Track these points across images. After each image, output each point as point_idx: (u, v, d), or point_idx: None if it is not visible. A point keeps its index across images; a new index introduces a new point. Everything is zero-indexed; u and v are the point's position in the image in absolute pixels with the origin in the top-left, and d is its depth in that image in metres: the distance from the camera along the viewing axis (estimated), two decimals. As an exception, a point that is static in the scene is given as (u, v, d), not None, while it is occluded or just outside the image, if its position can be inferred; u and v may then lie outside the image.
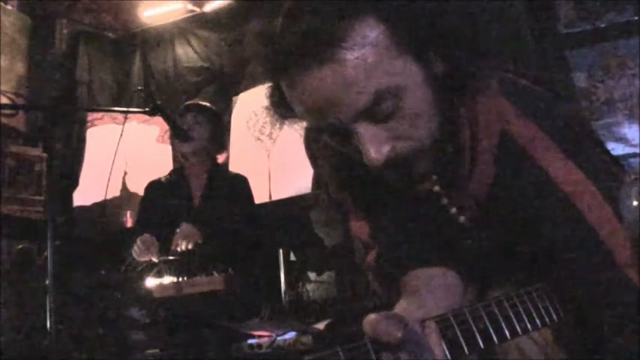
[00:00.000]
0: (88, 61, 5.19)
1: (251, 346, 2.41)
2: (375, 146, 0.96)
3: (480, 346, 0.93)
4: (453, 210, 1.15)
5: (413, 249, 1.19)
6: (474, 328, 0.94)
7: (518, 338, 1.00)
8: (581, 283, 1.03)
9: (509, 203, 1.07)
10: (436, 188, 1.14)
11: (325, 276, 3.65)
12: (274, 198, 4.25)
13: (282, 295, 3.41)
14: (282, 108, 1.07)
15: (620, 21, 3.40)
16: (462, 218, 1.15)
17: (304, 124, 1.14)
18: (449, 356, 0.89)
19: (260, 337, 2.44)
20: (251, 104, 4.61)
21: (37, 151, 4.32)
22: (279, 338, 2.38)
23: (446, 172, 1.10)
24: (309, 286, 3.59)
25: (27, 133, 4.55)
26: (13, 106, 4.52)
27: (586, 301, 1.03)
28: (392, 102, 0.95)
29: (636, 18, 3.34)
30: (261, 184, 4.17)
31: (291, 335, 2.39)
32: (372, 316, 0.81)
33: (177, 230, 2.83)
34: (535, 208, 1.05)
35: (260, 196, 3.82)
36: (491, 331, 0.95)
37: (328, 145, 1.09)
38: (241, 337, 2.47)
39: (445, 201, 1.15)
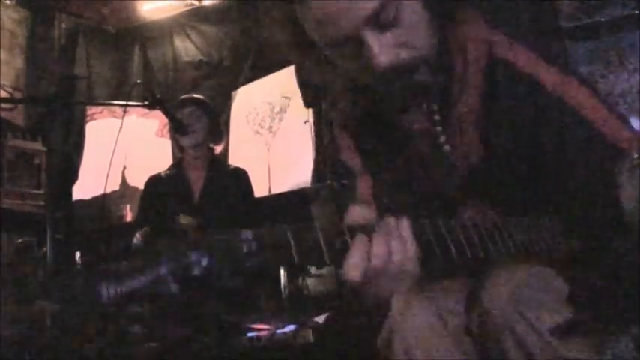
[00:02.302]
0: (87, 55, 5.18)
1: (250, 339, 2.41)
2: (381, 49, 1.06)
3: (453, 256, 0.98)
4: (447, 147, 1.21)
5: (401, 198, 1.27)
6: (448, 238, 0.99)
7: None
8: (587, 181, 1.09)
9: (503, 122, 1.15)
10: (438, 129, 1.20)
11: (325, 270, 3.65)
12: (274, 192, 4.25)
13: (282, 289, 3.41)
14: (296, 40, 1.15)
15: (620, 15, 3.39)
16: (453, 157, 1.21)
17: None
18: (420, 252, 0.95)
19: (259, 330, 2.45)
20: (250, 98, 4.60)
21: (36, 145, 4.32)
22: (278, 331, 2.39)
23: (442, 101, 1.19)
24: (309, 280, 3.59)
25: (26, 127, 4.54)
26: (12, 100, 4.52)
27: (592, 205, 1.07)
28: (393, 10, 1.06)
29: (637, 12, 3.34)
30: (260, 177, 4.17)
31: (290, 328, 2.39)
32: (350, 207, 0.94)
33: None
34: (530, 116, 1.13)
35: (260, 190, 3.82)
36: (465, 244, 1.00)
37: (340, 71, 1.19)
38: (240, 330, 2.47)
39: (443, 139, 1.20)
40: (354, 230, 0.92)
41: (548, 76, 1.12)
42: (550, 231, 1.12)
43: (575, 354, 1.02)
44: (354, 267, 0.90)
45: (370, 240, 0.92)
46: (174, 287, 0.79)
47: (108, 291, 0.79)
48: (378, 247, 0.92)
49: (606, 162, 1.06)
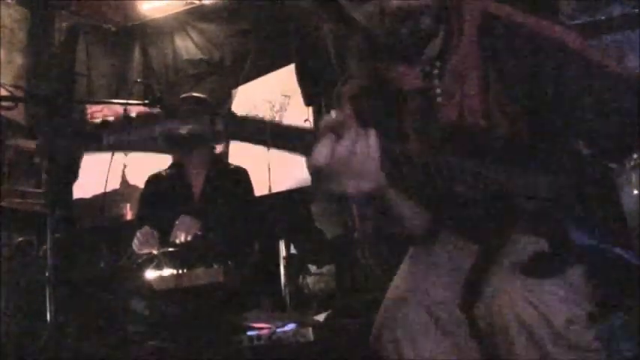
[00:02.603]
0: (87, 54, 5.17)
1: (250, 338, 2.41)
2: None
3: (418, 178, 1.09)
4: (439, 99, 1.30)
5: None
6: (416, 162, 1.09)
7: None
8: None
9: (501, 71, 1.25)
10: (435, 82, 1.30)
11: (325, 269, 3.65)
12: (274, 190, 4.25)
13: (282, 288, 3.41)
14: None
15: (620, 14, 3.38)
16: (446, 109, 1.29)
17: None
18: (385, 163, 1.05)
19: (260, 329, 2.45)
20: (251, 97, 4.60)
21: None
22: (278, 330, 2.39)
23: (440, 57, 1.30)
24: (309, 279, 3.60)
25: (26, 126, 4.54)
26: (13, 99, 4.50)
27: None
28: None
29: (637, 11, 3.33)
30: (261, 176, 4.17)
31: (290, 327, 2.39)
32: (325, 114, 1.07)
33: (177, 222, 2.84)
34: (528, 61, 1.23)
35: (260, 189, 3.82)
36: (432, 172, 1.09)
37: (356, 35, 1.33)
38: (241, 329, 2.47)
39: (438, 92, 1.30)
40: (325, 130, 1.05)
41: (542, 24, 1.25)
42: (535, 184, 1.16)
43: (586, 348, 1.02)
44: (319, 154, 1.03)
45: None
46: (162, 144, 1.01)
47: (108, 138, 1.00)
48: (344, 142, 1.03)
49: (604, 91, 1.18)
